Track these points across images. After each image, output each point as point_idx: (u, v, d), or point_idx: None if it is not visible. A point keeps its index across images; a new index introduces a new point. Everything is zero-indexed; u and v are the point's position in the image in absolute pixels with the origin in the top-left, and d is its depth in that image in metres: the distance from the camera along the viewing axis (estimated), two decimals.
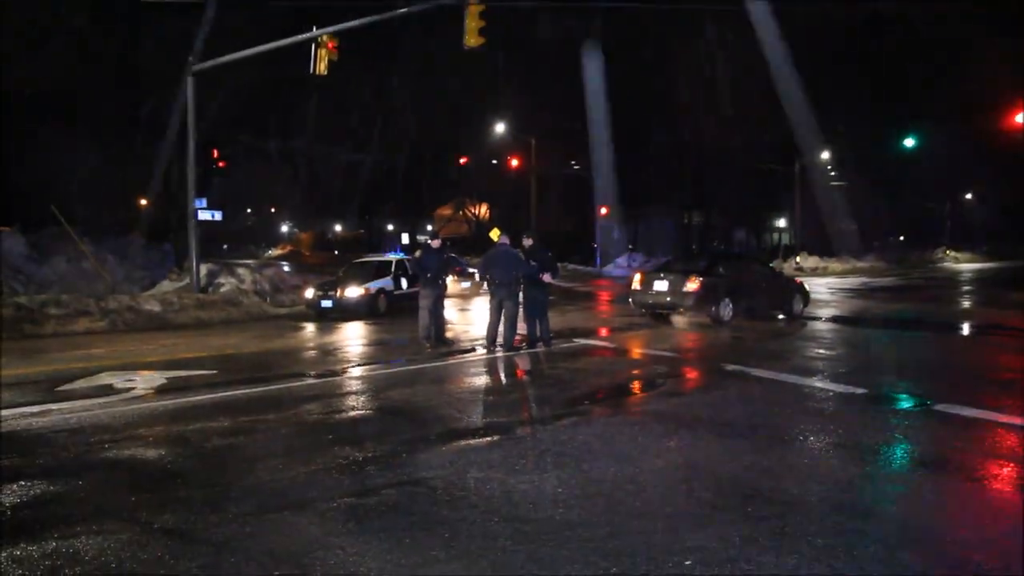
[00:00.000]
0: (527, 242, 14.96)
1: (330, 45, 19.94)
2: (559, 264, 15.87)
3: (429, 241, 15.61)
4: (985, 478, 6.61)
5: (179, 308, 20.16)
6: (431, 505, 5.88)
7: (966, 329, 18.96)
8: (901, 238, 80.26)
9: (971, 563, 4.86)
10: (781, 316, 19.09)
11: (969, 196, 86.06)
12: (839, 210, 71.06)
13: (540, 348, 14.15)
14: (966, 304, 27.20)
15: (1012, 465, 7.02)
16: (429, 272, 14.71)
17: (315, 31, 20.09)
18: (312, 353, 14.76)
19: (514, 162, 52.72)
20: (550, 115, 53.75)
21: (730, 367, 11.92)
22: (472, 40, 18.12)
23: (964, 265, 62.84)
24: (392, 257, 23.56)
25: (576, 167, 55.97)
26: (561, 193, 59.67)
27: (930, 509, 5.88)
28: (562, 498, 5.98)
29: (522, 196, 53.28)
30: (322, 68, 19.97)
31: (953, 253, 72.48)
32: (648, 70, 56.08)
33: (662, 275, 18.49)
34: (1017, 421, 8.42)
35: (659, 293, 18.00)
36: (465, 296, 25.19)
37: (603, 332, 17.54)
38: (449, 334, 15.77)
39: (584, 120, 53.50)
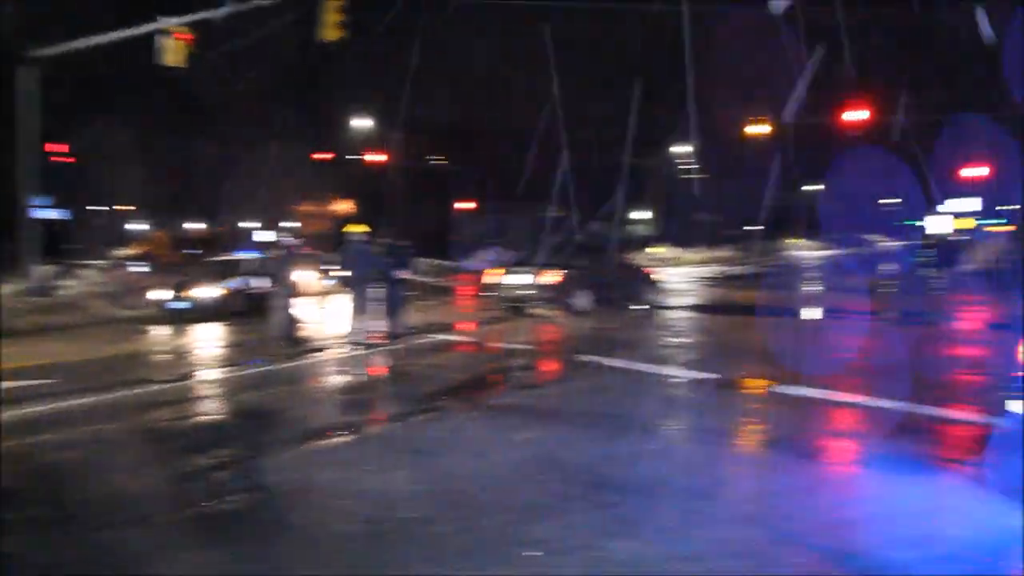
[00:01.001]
0: (383, 237, 14.84)
1: (183, 37, 19.11)
2: (422, 259, 15.82)
3: (283, 239, 15.30)
4: (818, 454, 6.96)
5: (16, 313, 19.13)
6: (281, 510, 5.77)
7: (810, 313, 19.86)
8: (756, 228, 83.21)
9: (805, 537, 5.09)
10: (637, 306, 19.52)
11: (814, 188, 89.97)
12: (696, 202, 73.20)
13: (397, 344, 14.07)
14: (810, 289, 28.47)
15: (846, 441, 7.43)
16: (283, 270, 14.43)
17: (162, 22, 19.29)
18: (163, 357, 14.28)
19: (376, 157, 52.19)
20: (413, 109, 53.37)
21: (585, 358, 12.13)
22: (329, 34, 17.75)
23: (811, 252, 65.71)
24: (248, 256, 22.98)
25: (439, 161, 55.89)
26: (424, 187, 59.40)
27: (771, 487, 6.12)
28: (416, 496, 5.97)
29: (385, 191, 52.81)
30: (172, 59, 19.12)
31: (800, 242, 75.70)
32: (505, 62, 56.39)
33: (519, 268, 18.67)
34: (851, 399, 8.90)
35: (517, 286, 18.18)
36: (323, 294, 24.75)
37: (462, 327, 17.57)
38: (305, 333, 15.49)
39: (450, 114, 53.40)
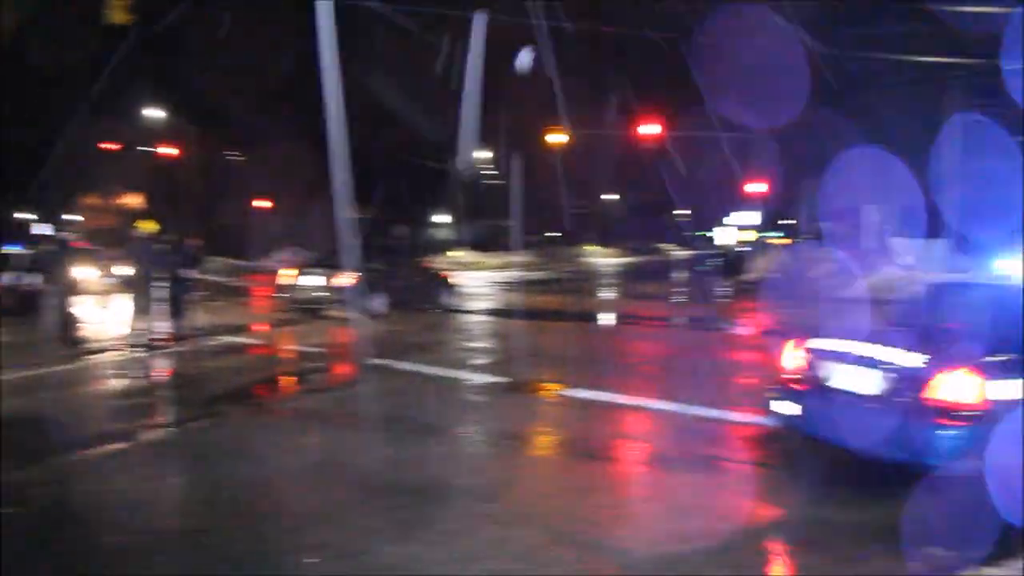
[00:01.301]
0: (168, 235, 14.26)
1: None
2: (215, 258, 15.27)
3: (57, 233, 14.41)
4: (602, 455, 7.20)
5: None
6: (34, 527, 5.40)
7: (602, 319, 20.58)
8: (553, 235, 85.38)
9: (575, 533, 5.27)
10: (433, 309, 19.58)
11: (611, 197, 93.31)
12: (497, 207, 74.33)
13: (182, 346, 13.50)
14: (604, 295, 29.53)
15: (629, 442, 7.75)
16: (59, 267, 13.57)
17: None
18: None
19: (170, 149, 49.95)
20: (210, 100, 51.43)
21: (377, 361, 12.03)
22: (118, 16, 16.73)
23: (607, 260, 68.13)
24: (16, 250, 21.45)
25: (236, 156, 54.10)
26: (221, 183, 57.38)
27: (554, 488, 6.28)
28: (187, 504, 5.77)
29: (179, 185, 50.65)
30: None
31: (597, 249, 78.31)
32: (308, 59, 55.36)
33: (314, 269, 18.36)
34: (636, 402, 9.25)
35: (311, 288, 17.86)
36: (103, 292, 23.48)
37: (253, 328, 17.10)
38: (82, 333, 14.63)
39: (247, 108, 51.73)
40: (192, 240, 19.44)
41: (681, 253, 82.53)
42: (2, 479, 6.29)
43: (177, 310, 13.76)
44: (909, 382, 5.75)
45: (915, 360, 5.80)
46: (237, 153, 53.43)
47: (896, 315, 7.47)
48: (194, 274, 14.04)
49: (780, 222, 59.22)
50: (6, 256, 20.93)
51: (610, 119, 45.61)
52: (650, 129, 34.54)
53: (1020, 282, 6.92)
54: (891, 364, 5.92)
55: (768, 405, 6.96)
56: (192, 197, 49.22)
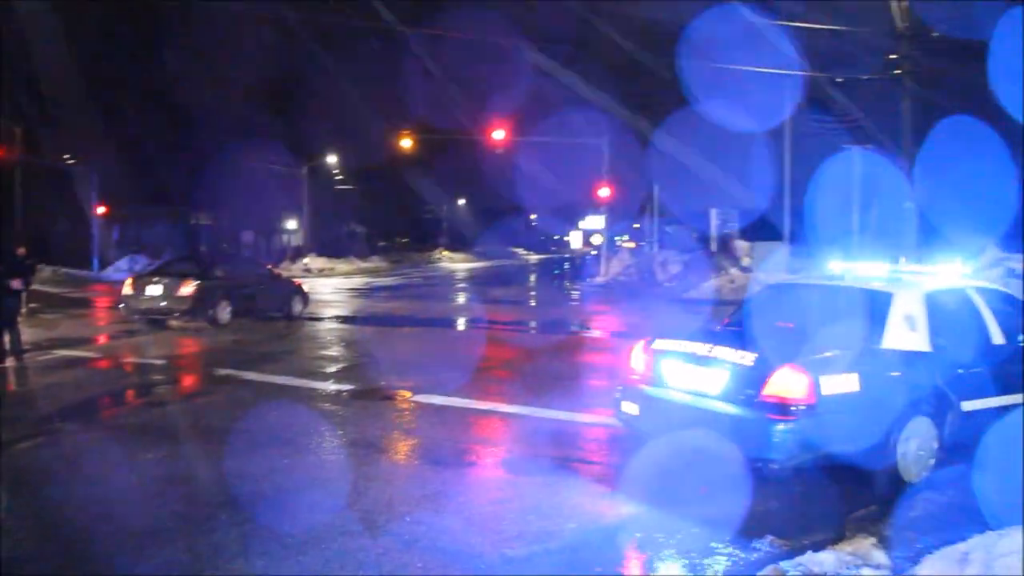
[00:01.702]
0: None
1: None
2: (49, 267, 14.49)
3: None
4: (452, 460, 7.22)
5: None
6: None
7: (453, 324, 20.63)
8: (405, 240, 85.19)
9: (424, 540, 5.26)
10: (282, 318, 19.19)
11: (462, 202, 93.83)
12: (346, 213, 73.54)
13: (10, 363, 12.75)
14: (457, 300, 29.61)
15: (477, 446, 7.77)
16: None
17: None
18: None
19: None
20: (42, 101, 48.90)
21: (222, 372, 11.74)
22: None
23: (459, 264, 68.46)
24: None
25: (72, 161, 51.57)
26: (55, 189, 54.61)
27: (399, 494, 6.23)
28: (11, 532, 5.44)
29: (4, 191, 47.91)
30: None
31: (449, 254, 78.60)
32: (146, 58, 53.52)
33: (156, 279, 17.70)
34: (488, 406, 9.40)
35: (153, 298, 17.21)
36: None
37: (91, 342, 16.29)
38: None
39: (84, 110, 49.44)
40: (20, 249, 18.44)
41: (534, 257, 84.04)
42: None
43: (4, 324, 12.97)
44: (744, 380, 6.01)
45: (750, 359, 6.05)
46: (71, 157, 50.91)
47: (733, 315, 7.77)
48: (19, 284, 13.23)
49: (632, 226, 60.80)
50: None
51: (462, 124, 45.86)
52: (499, 134, 34.84)
53: (851, 282, 7.29)
54: (727, 363, 6.17)
55: (615, 406, 7.13)
56: (19, 203, 46.62)
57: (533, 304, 28.07)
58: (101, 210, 51.14)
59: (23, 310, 15.18)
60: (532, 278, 46.02)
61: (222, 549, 5.08)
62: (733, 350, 6.20)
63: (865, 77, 20.26)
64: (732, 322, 7.51)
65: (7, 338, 12.92)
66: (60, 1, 45.48)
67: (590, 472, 6.93)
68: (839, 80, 22.86)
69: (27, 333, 13.69)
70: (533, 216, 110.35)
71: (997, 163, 20.34)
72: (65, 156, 51.16)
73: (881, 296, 6.66)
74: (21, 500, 6.09)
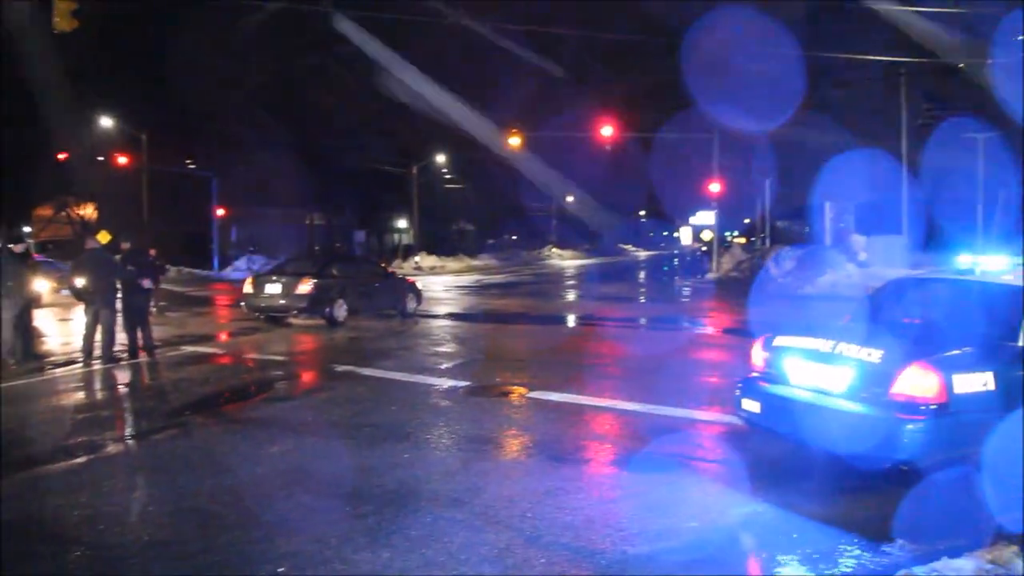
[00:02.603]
0: (124, 245, 14.07)
1: None
2: (175, 268, 15.06)
3: (11, 245, 14.08)
4: (569, 457, 7.22)
5: None
6: (2, 544, 5.33)
7: (564, 320, 20.66)
8: (514, 237, 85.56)
9: (546, 535, 5.26)
10: (396, 315, 19.54)
11: (571, 199, 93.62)
12: (455, 211, 74.34)
13: (142, 358, 13.34)
14: (567, 297, 29.61)
15: (593, 443, 7.76)
16: (10, 280, 13.29)
17: None
18: None
19: (122, 159, 49.26)
20: (165, 109, 50.87)
21: (340, 368, 12.01)
22: (63, 23, 16.61)
23: (568, 262, 68.45)
24: None
25: (193, 165, 53.56)
26: (178, 192, 56.74)
27: (522, 491, 6.25)
28: (153, 517, 5.70)
29: (133, 195, 50.01)
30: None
31: (558, 251, 78.60)
32: (267, 67, 55.01)
33: (275, 278, 18.23)
34: (602, 403, 9.34)
35: (272, 296, 17.73)
36: (64, 305, 23.16)
37: (215, 338, 16.91)
38: (41, 348, 14.43)
39: (207, 116, 51.22)
40: (150, 250, 19.25)
41: (643, 254, 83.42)
42: None
43: (135, 322, 13.57)
44: (871, 378, 5.82)
45: (876, 356, 5.87)
46: (193, 162, 52.86)
47: (857, 311, 7.55)
48: (149, 284, 13.82)
49: (743, 221, 59.81)
50: None
51: (571, 120, 45.82)
52: (607, 131, 34.68)
53: (982, 277, 6.99)
54: (853, 360, 5.99)
55: (734, 403, 7.02)
56: (149, 206, 48.60)
57: (643, 301, 27.87)
58: (220, 212, 52.82)
59: (153, 308, 15.86)
60: (642, 275, 45.69)
61: (348, 541, 5.18)
62: (858, 347, 6.02)
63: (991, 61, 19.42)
64: (856, 318, 7.30)
65: (139, 334, 13.51)
66: (182, 12, 47.08)
67: (709, 470, 6.84)
68: (961, 65, 22.05)
69: (156, 330, 14.25)
70: (642, 212, 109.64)
71: None
72: (187, 161, 53.11)
73: (1017, 291, 6.37)
74: (159, 487, 6.35)
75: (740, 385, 6.97)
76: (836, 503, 5.77)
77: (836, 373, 6.07)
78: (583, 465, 7.11)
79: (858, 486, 5.79)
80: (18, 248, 13.85)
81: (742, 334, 15.71)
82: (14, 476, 6.81)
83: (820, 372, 6.21)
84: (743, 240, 56.87)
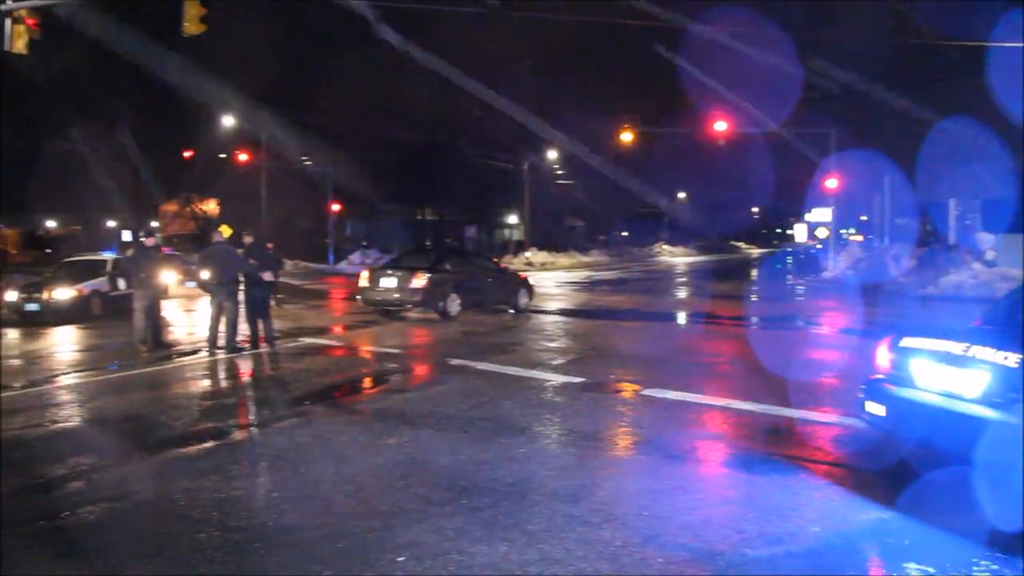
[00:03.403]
0: (246, 239, 14.52)
1: (30, 22, 18.30)
2: (292, 261, 15.49)
3: (143, 238, 14.74)
4: (683, 455, 7.16)
5: None
6: (136, 521, 5.59)
7: (676, 318, 20.47)
8: (624, 234, 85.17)
9: (663, 535, 5.22)
10: (508, 310, 19.67)
11: (682, 195, 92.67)
12: (566, 207, 74.31)
13: (263, 348, 13.76)
14: (678, 295, 29.31)
15: (707, 442, 7.66)
16: (143, 272, 13.93)
17: (9, 4, 18.37)
18: (13, 362, 13.56)
19: (243, 156, 50.88)
20: (283, 108, 52.34)
21: (455, 362, 12.15)
22: (192, 27, 17.28)
23: (679, 258, 67.77)
24: (107, 256, 22.11)
25: (309, 162, 54.91)
26: (295, 188, 58.29)
27: (638, 489, 6.22)
28: (276, 503, 5.87)
29: (253, 191, 51.61)
30: (20, 46, 18.27)
31: (669, 248, 77.91)
32: (381, 65, 56.00)
33: (389, 272, 18.56)
34: (713, 401, 9.22)
35: (387, 290, 18.05)
36: (189, 296, 24.07)
37: (331, 330, 17.35)
38: (169, 337, 15.03)
39: (324, 115, 52.55)
40: (269, 244, 19.84)
41: (756, 251, 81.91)
42: (101, 475, 6.53)
43: (256, 313, 14.02)
44: (1008, 383, 5.55)
45: (1013, 360, 5.61)
46: (313, 159, 54.13)
47: (990, 313, 7.23)
48: (270, 277, 14.25)
49: (859, 218, 58.14)
50: (94, 262, 21.58)
51: (681, 116, 45.34)
52: (721, 126, 34.14)
53: None
54: (987, 364, 5.73)
55: (857, 405, 6.81)
56: (268, 202, 50.06)
57: (756, 299, 27.37)
58: (336, 207, 53.98)
59: (272, 301, 16.34)
60: (754, 272, 44.85)
61: (465, 533, 5.24)
62: (994, 350, 5.76)
63: None
64: (989, 320, 6.99)
65: (261, 326, 13.95)
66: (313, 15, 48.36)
67: (830, 474, 6.67)
68: None
69: (275, 322, 14.67)
70: (755, 209, 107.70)
71: None
72: (304, 158, 54.48)
73: None
74: (282, 474, 6.54)
75: (864, 387, 6.75)
76: (966, 513, 5.53)
77: (969, 377, 5.82)
78: (699, 464, 7.04)
79: (991, 496, 5.54)
80: (149, 242, 14.49)
81: (860, 334, 15.30)
82: (149, 458, 7.13)
83: (951, 375, 5.97)
84: (860, 237, 55.29)
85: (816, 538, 5.24)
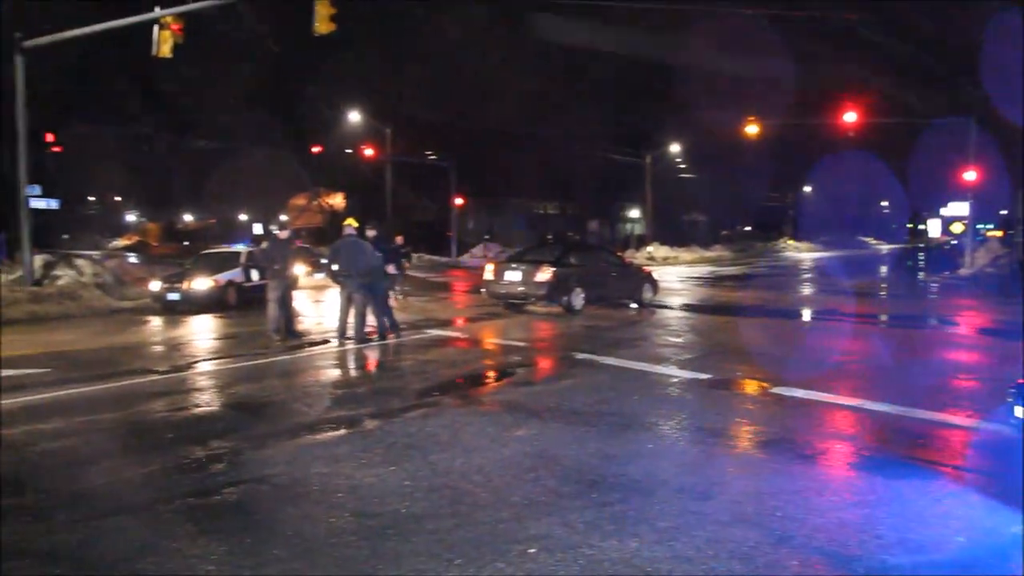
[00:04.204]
0: (370, 232, 14.81)
1: (174, 27, 19.18)
2: (416, 254, 15.80)
3: (276, 231, 15.22)
4: (815, 455, 6.97)
5: (10, 302, 19.07)
6: (274, 503, 5.77)
7: (804, 315, 19.95)
8: (748, 228, 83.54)
9: (797, 536, 5.09)
10: (632, 305, 19.54)
11: (808, 189, 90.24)
12: (688, 201, 73.38)
13: (389, 339, 14.03)
14: (804, 291, 28.56)
15: (839, 442, 7.44)
16: (276, 263, 14.38)
17: (158, 11, 19.29)
18: (157, 348, 14.24)
19: (369, 151, 51.98)
20: (407, 103, 53.27)
21: (580, 355, 12.14)
22: (323, 27, 17.75)
23: (805, 254, 66.04)
24: (241, 248, 22.93)
25: (433, 156, 55.76)
26: (418, 182, 59.30)
27: (768, 488, 6.08)
28: (408, 491, 5.96)
29: (378, 185, 52.72)
30: (165, 51, 19.18)
31: (794, 243, 76.03)
32: (498, 59, 56.36)
33: (514, 265, 18.66)
34: (844, 401, 8.93)
35: (512, 283, 18.16)
36: (318, 288, 24.75)
37: (456, 323, 17.56)
38: (300, 327, 15.47)
39: (446, 109, 53.30)
40: (397, 237, 20.22)
41: (885, 247, 79.21)
42: (239, 458, 6.76)
43: (382, 305, 14.30)
44: None
45: None
46: (436, 153, 54.93)
47: None
48: (394, 269, 14.53)
49: (998, 213, 55.49)
50: (229, 254, 22.41)
51: (806, 108, 44.11)
52: (850, 117, 33.03)
53: None
54: None
55: (1005, 410, 6.48)
56: (391, 196, 51.05)
57: (887, 296, 26.43)
58: (459, 201, 54.62)
59: (399, 296, 16.67)
60: (884, 269, 43.33)
61: (595, 527, 5.22)
62: None
63: None
64: None
65: (385, 317, 14.24)
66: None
67: (976, 481, 6.35)
68: None
69: (401, 314, 14.94)
70: (885, 203, 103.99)
71: None
72: (427, 153, 55.33)
73: None
74: (413, 463, 6.64)
75: (1013, 390, 6.42)
76: None
77: None
78: (832, 466, 6.84)
79: None
80: (283, 234, 14.94)
81: (1002, 335, 14.64)
82: (285, 443, 7.36)
83: None
84: (999, 233, 52.76)
85: (962, 549, 5.01)
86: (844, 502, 5.85)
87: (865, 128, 36.40)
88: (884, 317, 19.46)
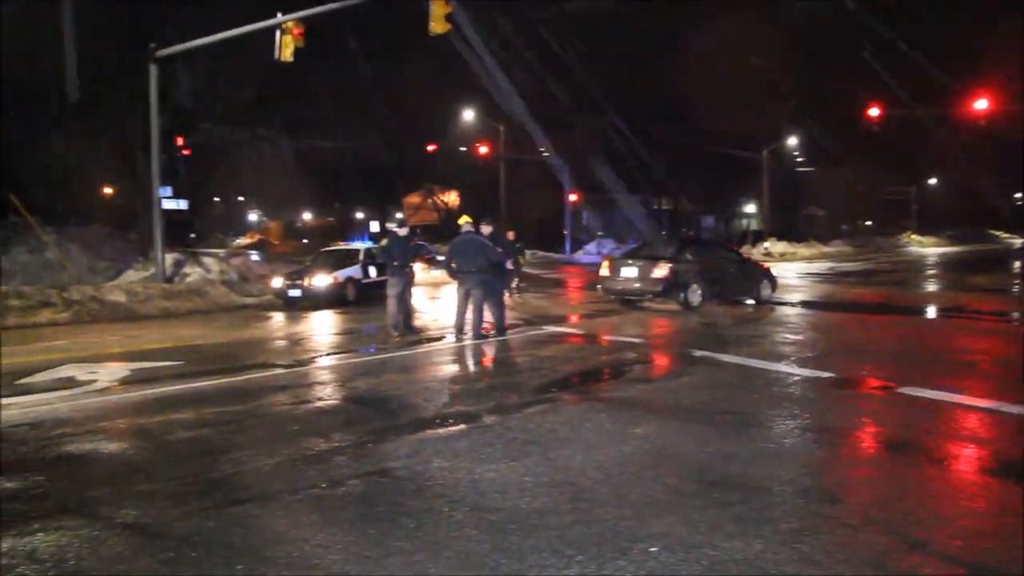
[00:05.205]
0: (485, 229, 14.93)
1: (296, 32, 19.71)
2: (531, 251, 15.83)
3: (396, 229, 15.49)
4: (947, 459, 6.69)
5: (144, 298, 19.92)
6: (397, 495, 5.84)
7: (930, 312, 19.21)
8: (868, 223, 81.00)
9: (931, 543, 4.89)
10: (749, 301, 19.19)
11: (933, 181, 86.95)
12: (805, 196, 71.61)
13: (506, 335, 14.09)
14: (930, 288, 27.52)
15: (973, 446, 7.11)
16: (396, 260, 14.64)
17: (280, 17, 19.86)
18: (280, 343, 14.64)
19: (483, 149, 52.42)
20: (520, 101, 53.46)
21: (698, 353, 11.96)
22: (438, 26, 17.96)
23: (929, 250, 63.70)
24: (360, 245, 23.42)
25: (546, 153, 55.85)
26: (531, 179, 59.45)
27: (893, 491, 5.88)
28: (529, 486, 5.96)
29: (491, 183, 53.12)
30: (287, 55, 19.73)
31: (918, 238, 73.39)
32: (618, 56, 56.07)
33: (630, 261, 18.54)
34: (977, 403, 8.53)
35: (627, 279, 18.05)
36: (435, 284, 25.08)
37: (572, 319, 17.54)
38: (418, 322, 15.70)
39: (556, 106, 53.36)
40: (509, 233, 20.32)
41: (1018, 241, 75.77)
42: (362, 451, 6.89)
43: (499, 301, 14.38)
44: None
45: None
46: (549, 150, 54.96)
47: None
48: (509, 265, 14.58)
49: None
50: (349, 251, 22.92)
51: (934, 95, 42.53)
52: (981, 104, 31.64)
53: None
54: None
55: None
56: (506, 192, 51.35)
57: (1020, 293, 25.25)
58: (573, 197, 54.58)
59: (515, 293, 16.73)
60: (1016, 264, 41.41)
61: (717, 528, 5.12)
62: None
63: None
64: None
65: (502, 313, 14.32)
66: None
67: None
68: None
69: (517, 311, 14.99)
70: (1018, 195, 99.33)
71: None
72: (541, 149, 55.42)
73: None
74: (532, 459, 6.64)
75: None
76: None
77: None
78: (967, 471, 6.53)
79: None
80: (402, 231, 15.20)
81: None
82: (406, 437, 7.46)
83: None
84: None
85: None
86: (980, 509, 5.59)
87: (999, 115, 34.83)
88: (1016, 315, 18.58)
